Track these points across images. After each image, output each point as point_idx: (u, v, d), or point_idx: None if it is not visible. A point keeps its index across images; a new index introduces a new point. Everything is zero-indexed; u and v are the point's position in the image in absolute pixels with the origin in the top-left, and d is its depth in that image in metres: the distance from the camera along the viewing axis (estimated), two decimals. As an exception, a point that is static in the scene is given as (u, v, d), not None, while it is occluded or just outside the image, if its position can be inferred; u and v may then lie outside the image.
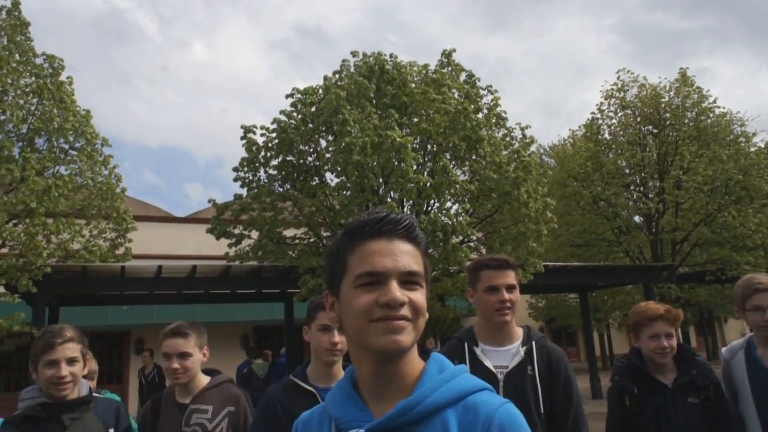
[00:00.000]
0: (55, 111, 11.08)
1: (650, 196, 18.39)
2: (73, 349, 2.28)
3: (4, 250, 10.40)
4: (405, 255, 1.01)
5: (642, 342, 2.72)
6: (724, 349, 2.90)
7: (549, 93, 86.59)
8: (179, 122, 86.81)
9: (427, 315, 1.03)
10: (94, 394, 2.46)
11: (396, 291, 0.97)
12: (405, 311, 0.97)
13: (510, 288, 2.33)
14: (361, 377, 1.05)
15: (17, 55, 10.83)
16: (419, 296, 1.00)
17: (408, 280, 1.00)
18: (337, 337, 2.22)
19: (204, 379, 2.65)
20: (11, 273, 9.63)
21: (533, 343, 2.35)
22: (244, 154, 12.15)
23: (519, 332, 2.41)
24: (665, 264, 16.55)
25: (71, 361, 2.27)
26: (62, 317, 12.63)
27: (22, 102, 10.79)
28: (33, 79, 11.06)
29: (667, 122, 18.41)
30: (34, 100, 10.99)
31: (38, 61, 11.22)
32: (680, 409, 2.57)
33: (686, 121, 18.31)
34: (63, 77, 11.52)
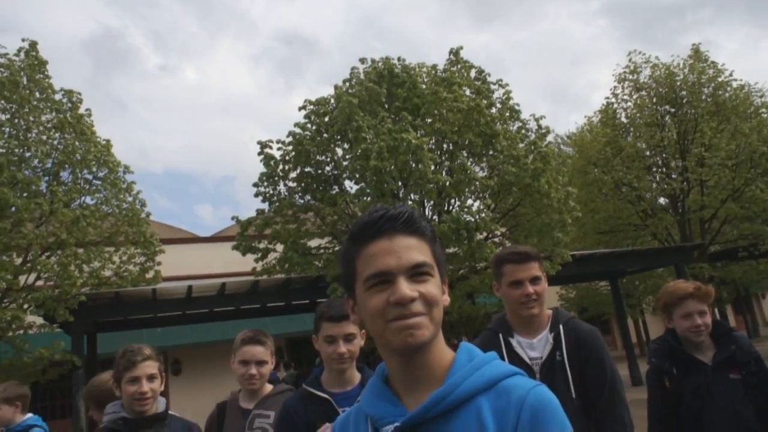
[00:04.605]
0: (77, 143, 11.36)
1: (673, 176, 18.09)
2: (152, 366, 2.43)
3: (40, 282, 10.67)
4: (408, 249, 1.01)
5: (675, 322, 2.69)
6: None
7: (549, 80, 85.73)
8: (179, 145, 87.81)
9: (442, 303, 1.02)
10: (170, 412, 2.56)
11: (404, 289, 0.97)
12: (417, 306, 0.98)
13: (534, 280, 2.30)
14: (391, 373, 1.06)
15: (37, 93, 11.14)
16: (430, 287, 1.00)
17: (417, 272, 1.00)
18: (343, 347, 2.21)
19: (267, 386, 2.73)
20: (48, 304, 9.88)
21: (560, 326, 2.32)
22: (252, 169, 12.40)
23: (547, 318, 2.38)
24: (695, 244, 16.27)
25: (151, 378, 2.42)
26: (100, 344, 12.89)
27: (45, 138, 11.09)
28: (53, 114, 11.35)
29: (684, 100, 18.11)
30: (56, 135, 11.29)
31: (57, 96, 11.51)
32: (722, 387, 2.54)
33: (703, 97, 17.98)
34: (81, 110, 11.81)
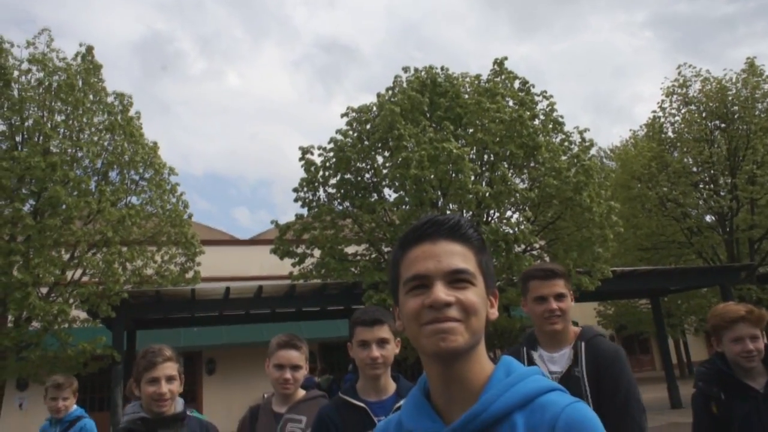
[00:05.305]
0: (126, 145, 11.71)
1: (722, 193, 17.52)
2: (171, 368, 2.45)
3: (85, 278, 11.01)
4: (450, 255, 0.99)
5: (725, 346, 2.60)
6: None
7: (591, 92, 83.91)
8: (218, 148, 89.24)
9: (483, 314, 0.99)
10: (188, 413, 2.59)
11: (439, 292, 0.95)
12: (452, 312, 0.95)
13: (559, 296, 2.36)
14: (431, 384, 1.04)
15: (91, 96, 11.55)
16: (470, 295, 0.97)
17: (456, 278, 0.97)
18: (376, 351, 2.22)
19: (300, 391, 2.74)
20: (92, 299, 10.19)
21: (582, 343, 2.34)
22: (289, 174, 12.61)
23: (573, 335, 2.41)
24: (743, 264, 15.67)
25: (170, 379, 2.44)
26: (139, 340, 13.21)
27: (96, 139, 11.47)
28: (105, 116, 11.74)
29: (736, 116, 17.54)
30: (107, 136, 11.66)
31: (109, 99, 11.92)
32: (774, 416, 2.44)
33: (757, 113, 17.37)
34: (131, 113, 12.19)
